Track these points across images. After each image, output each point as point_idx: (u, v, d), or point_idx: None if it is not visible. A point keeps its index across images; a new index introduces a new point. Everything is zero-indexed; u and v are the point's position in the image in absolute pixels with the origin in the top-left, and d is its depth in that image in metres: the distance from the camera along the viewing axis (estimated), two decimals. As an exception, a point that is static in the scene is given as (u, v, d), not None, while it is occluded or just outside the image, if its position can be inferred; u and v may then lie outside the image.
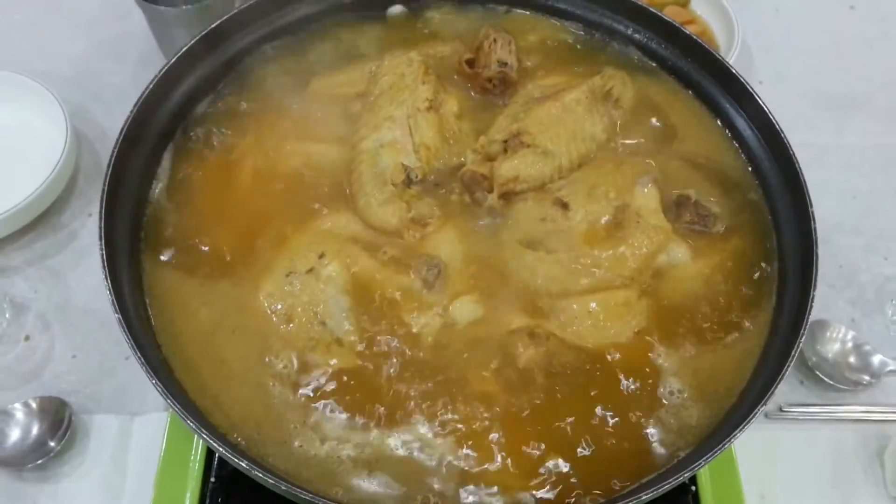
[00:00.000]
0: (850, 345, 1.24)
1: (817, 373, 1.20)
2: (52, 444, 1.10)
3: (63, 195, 1.34)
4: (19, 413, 1.12)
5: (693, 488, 1.04)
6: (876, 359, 1.23)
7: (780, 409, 1.19)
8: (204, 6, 1.37)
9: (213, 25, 1.13)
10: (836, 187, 1.44)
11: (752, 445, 1.12)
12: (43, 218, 1.32)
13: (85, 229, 1.34)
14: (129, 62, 1.56)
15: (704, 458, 0.84)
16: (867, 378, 1.21)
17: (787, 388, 1.21)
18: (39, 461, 1.09)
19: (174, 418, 1.07)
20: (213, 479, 1.04)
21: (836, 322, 1.26)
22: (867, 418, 1.19)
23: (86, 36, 1.60)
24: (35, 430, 1.11)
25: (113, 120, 1.47)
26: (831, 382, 1.20)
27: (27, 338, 1.22)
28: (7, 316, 1.23)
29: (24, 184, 1.27)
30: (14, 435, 1.11)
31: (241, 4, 1.17)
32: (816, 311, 1.24)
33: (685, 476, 0.83)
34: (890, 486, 1.12)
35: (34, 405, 1.13)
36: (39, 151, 1.35)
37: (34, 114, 1.39)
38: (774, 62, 1.63)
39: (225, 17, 1.14)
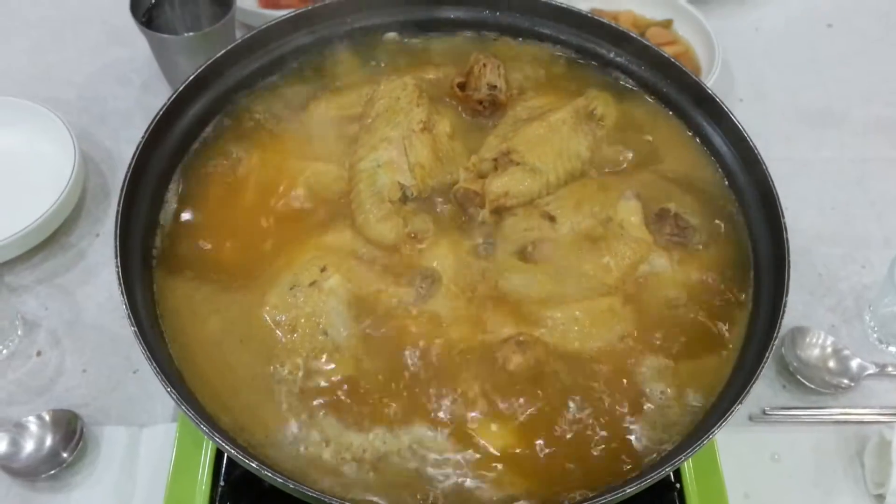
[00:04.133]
0: (829, 350, 1.27)
1: (799, 377, 1.24)
2: (64, 454, 1.13)
3: (71, 216, 1.38)
4: (33, 425, 1.15)
5: (678, 486, 1.07)
6: (854, 363, 1.26)
7: (764, 413, 1.22)
8: (205, 34, 1.41)
9: (216, 55, 1.16)
10: (816, 199, 1.48)
11: (737, 447, 1.15)
12: (52, 238, 1.35)
13: (92, 249, 1.37)
14: (133, 87, 1.60)
15: (685, 453, 0.87)
16: (846, 381, 1.25)
17: (770, 393, 1.25)
18: (52, 471, 1.11)
19: (184, 426, 1.10)
20: (222, 484, 1.07)
21: (817, 328, 1.29)
22: (847, 420, 1.22)
23: (91, 62, 1.64)
24: (48, 441, 1.14)
25: (118, 143, 1.51)
26: (812, 386, 1.23)
27: (39, 353, 1.25)
28: (19, 333, 1.26)
29: (34, 206, 1.30)
30: (28, 446, 1.13)
31: (243, 33, 1.21)
32: (797, 318, 1.31)
33: (667, 470, 0.87)
34: (870, 484, 1.16)
35: (47, 418, 1.15)
36: (48, 174, 1.38)
37: (43, 138, 1.42)
38: (755, 80, 1.67)
39: (228, 47, 1.18)
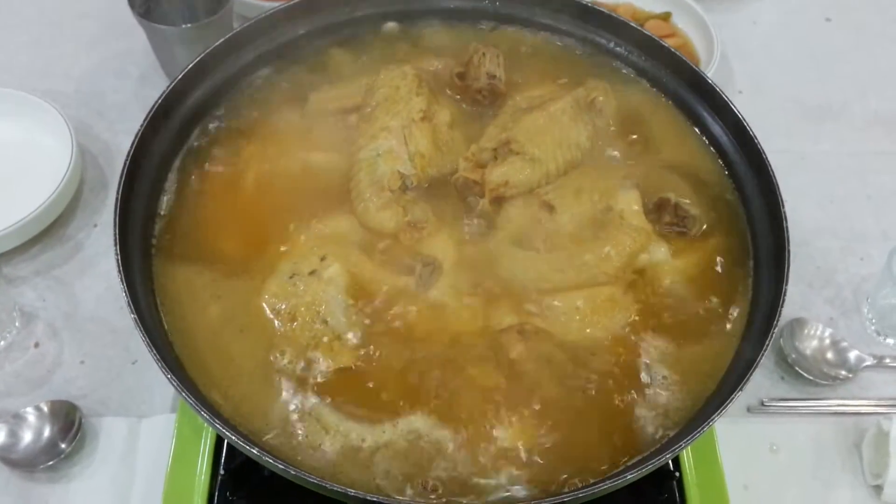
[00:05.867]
0: (827, 341, 1.27)
1: (797, 369, 1.24)
2: (62, 445, 1.13)
3: (69, 207, 1.38)
4: (31, 416, 1.15)
5: (677, 474, 1.08)
6: (852, 355, 1.26)
7: (762, 404, 1.22)
8: (203, 25, 1.41)
9: (214, 45, 1.16)
10: (814, 192, 1.48)
11: (735, 438, 1.16)
12: (50, 230, 1.35)
13: (90, 240, 1.37)
14: (131, 80, 1.60)
15: (685, 441, 0.87)
16: (844, 373, 1.25)
17: (768, 384, 1.25)
18: (51, 462, 1.11)
19: (184, 415, 1.10)
20: (221, 473, 1.07)
21: (815, 320, 1.29)
22: (845, 411, 1.22)
23: (88, 55, 1.64)
24: (46, 432, 1.14)
25: (116, 135, 1.51)
26: (810, 378, 1.23)
27: (37, 345, 1.25)
28: (17, 324, 1.26)
29: (31, 197, 1.30)
30: (26, 437, 1.13)
31: (241, 24, 1.21)
32: (796, 310, 1.31)
33: (667, 457, 0.87)
34: (868, 475, 1.16)
35: (45, 409, 1.15)
36: (46, 166, 1.38)
37: (41, 130, 1.43)
38: (753, 73, 1.67)
39: (226, 37, 1.17)
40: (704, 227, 1.12)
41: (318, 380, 0.97)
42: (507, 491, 0.91)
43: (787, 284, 0.98)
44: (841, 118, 1.62)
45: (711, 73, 1.49)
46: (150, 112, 1.08)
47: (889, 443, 1.12)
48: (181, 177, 1.13)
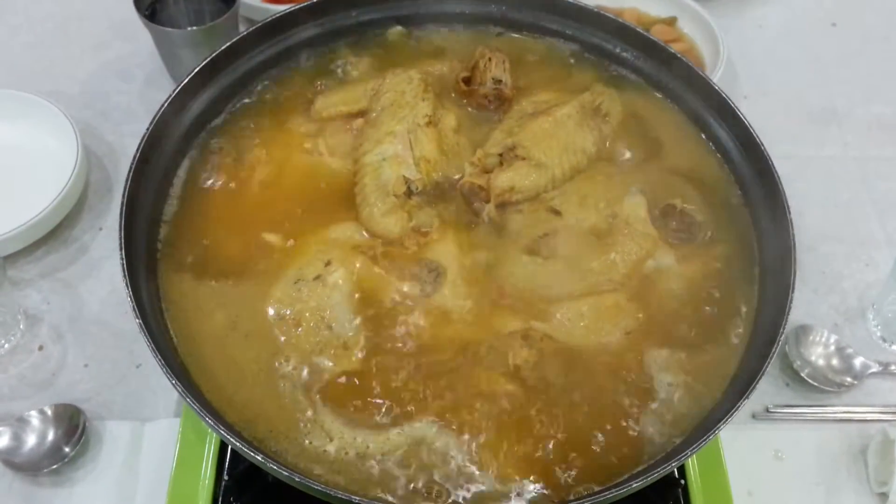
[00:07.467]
0: (833, 348, 1.27)
1: (802, 375, 1.23)
2: (66, 449, 1.12)
3: (74, 210, 1.38)
4: (35, 420, 1.14)
5: (683, 482, 1.07)
6: (858, 361, 1.26)
7: (767, 410, 1.22)
8: (209, 28, 1.41)
9: (220, 48, 1.16)
10: (819, 197, 1.48)
11: (740, 445, 1.15)
12: (55, 232, 1.35)
13: (95, 243, 1.37)
14: (136, 82, 1.60)
15: (691, 449, 0.87)
16: (850, 380, 1.24)
17: (773, 390, 1.24)
18: (54, 466, 1.11)
19: (188, 420, 1.10)
20: (225, 479, 1.07)
21: (820, 326, 1.29)
22: (850, 418, 1.22)
23: (93, 56, 1.64)
24: (50, 436, 1.13)
25: (121, 138, 1.51)
26: (815, 384, 1.23)
27: (41, 348, 1.25)
28: (21, 327, 1.26)
29: (36, 199, 1.30)
30: (30, 441, 1.13)
31: (248, 28, 1.21)
32: (801, 316, 1.31)
33: (673, 466, 0.87)
34: (873, 483, 1.15)
35: (49, 412, 1.15)
36: (51, 168, 1.38)
37: (46, 132, 1.42)
38: (758, 77, 1.67)
39: (231, 41, 1.18)
40: (710, 233, 1.12)
41: (323, 386, 0.97)
42: (512, 498, 0.91)
43: (793, 291, 0.98)
44: (846, 123, 1.62)
45: (717, 77, 1.49)
46: (155, 116, 1.08)
47: (895, 450, 1.11)
48: (186, 181, 1.13)
